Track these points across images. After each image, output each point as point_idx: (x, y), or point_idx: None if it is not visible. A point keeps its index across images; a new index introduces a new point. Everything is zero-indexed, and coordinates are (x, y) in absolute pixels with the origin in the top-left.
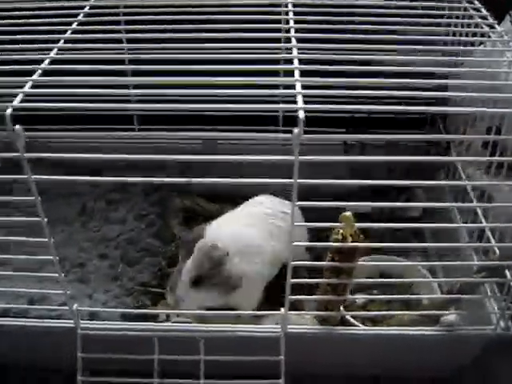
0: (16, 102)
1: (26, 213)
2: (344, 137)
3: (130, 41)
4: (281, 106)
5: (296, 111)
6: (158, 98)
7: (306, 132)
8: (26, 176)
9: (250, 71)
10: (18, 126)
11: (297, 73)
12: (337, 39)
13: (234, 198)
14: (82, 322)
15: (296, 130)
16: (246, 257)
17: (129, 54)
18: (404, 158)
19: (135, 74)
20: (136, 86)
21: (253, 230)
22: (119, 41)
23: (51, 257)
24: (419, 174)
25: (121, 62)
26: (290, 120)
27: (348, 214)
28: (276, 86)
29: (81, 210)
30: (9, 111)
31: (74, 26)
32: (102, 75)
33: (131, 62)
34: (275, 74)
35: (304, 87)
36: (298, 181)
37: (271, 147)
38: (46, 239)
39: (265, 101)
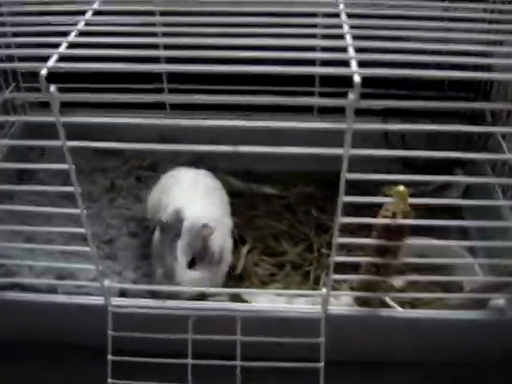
0: (51, 63)
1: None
2: (398, 104)
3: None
4: (334, 69)
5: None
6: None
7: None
8: (60, 142)
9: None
10: (52, 88)
11: (348, 37)
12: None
13: (263, 177)
14: (112, 299)
15: (351, 95)
16: (220, 232)
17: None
18: (447, 128)
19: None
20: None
21: (217, 207)
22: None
23: (83, 230)
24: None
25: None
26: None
27: (402, 188)
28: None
29: (109, 186)
30: (43, 72)
31: None
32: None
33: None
34: None
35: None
36: (351, 151)
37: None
38: (79, 210)
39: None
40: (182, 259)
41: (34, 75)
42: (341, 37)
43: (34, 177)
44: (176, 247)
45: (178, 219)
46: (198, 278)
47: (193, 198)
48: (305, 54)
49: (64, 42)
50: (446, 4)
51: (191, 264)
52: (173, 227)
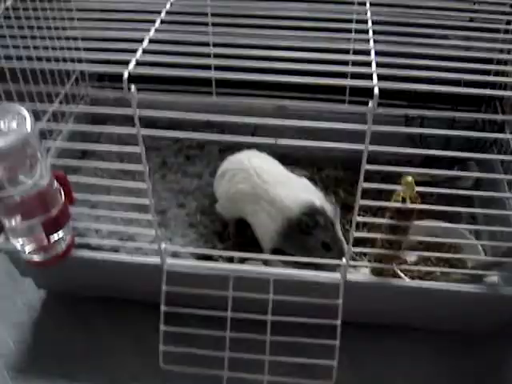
0: (131, 67)
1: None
2: (414, 112)
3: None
4: (358, 82)
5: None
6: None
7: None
8: (134, 129)
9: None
10: (133, 88)
11: (373, 53)
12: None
13: (296, 160)
14: (167, 259)
15: (371, 104)
16: None
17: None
18: (459, 133)
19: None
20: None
21: None
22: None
23: (147, 201)
24: (473, 150)
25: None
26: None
27: (410, 178)
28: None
29: (161, 163)
30: (126, 74)
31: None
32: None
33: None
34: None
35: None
36: (370, 147)
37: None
38: (145, 184)
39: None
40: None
41: None
42: (367, 53)
43: (95, 154)
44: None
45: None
46: None
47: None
48: (335, 67)
49: (140, 49)
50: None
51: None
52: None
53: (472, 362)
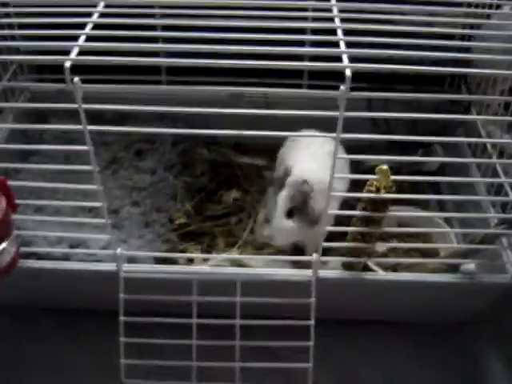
0: (73, 55)
1: (58, 161)
2: (386, 95)
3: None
4: (328, 64)
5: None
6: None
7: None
8: (81, 126)
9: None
10: (76, 79)
11: (340, 32)
12: None
13: (254, 149)
14: (124, 265)
15: (343, 87)
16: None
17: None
18: (426, 116)
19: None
20: (165, 40)
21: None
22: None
23: (100, 204)
24: (439, 131)
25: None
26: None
27: (385, 167)
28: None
29: (111, 159)
30: (67, 64)
31: None
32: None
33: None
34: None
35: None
36: (341, 135)
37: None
38: (95, 186)
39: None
40: (280, 208)
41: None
42: (333, 31)
43: (39, 151)
44: (278, 197)
45: (285, 174)
46: (290, 227)
47: (310, 159)
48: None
49: (82, 35)
50: None
51: (289, 214)
52: (280, 181)
53: (449, 351)
